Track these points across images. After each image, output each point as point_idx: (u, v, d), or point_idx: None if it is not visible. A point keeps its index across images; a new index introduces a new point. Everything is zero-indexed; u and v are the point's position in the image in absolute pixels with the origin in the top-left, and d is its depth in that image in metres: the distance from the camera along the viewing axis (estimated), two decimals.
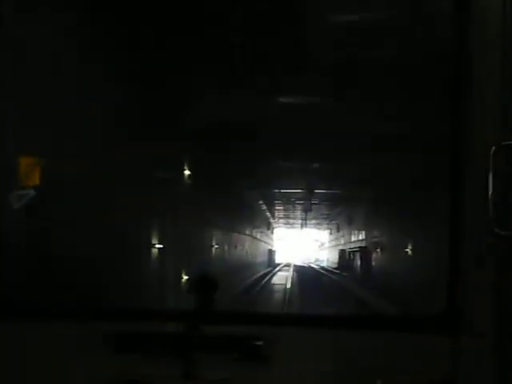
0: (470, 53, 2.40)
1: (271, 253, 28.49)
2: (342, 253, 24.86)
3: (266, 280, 19.58)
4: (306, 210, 21.72)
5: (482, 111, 2.34)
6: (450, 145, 2.48)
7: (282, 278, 20.60)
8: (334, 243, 30.17)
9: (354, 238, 21.06)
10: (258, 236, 23.08)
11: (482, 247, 2.31)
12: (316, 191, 17.40)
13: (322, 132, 9.15)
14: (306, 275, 22.75)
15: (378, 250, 15.24)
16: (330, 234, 31.72)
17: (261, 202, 20.29)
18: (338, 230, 26.95)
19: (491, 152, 2.23)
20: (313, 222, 28.43)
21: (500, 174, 2.24)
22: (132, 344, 2.51)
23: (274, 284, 19.30)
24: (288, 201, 20.47)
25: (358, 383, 2.37)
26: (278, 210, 23.83)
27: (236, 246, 15.61)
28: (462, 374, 2.34)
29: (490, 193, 2.23)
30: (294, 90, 7.90)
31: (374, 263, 16.07)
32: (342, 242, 25.44)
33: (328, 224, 29.42)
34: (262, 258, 23.95)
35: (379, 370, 2.37)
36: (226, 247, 13.91)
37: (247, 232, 18.83)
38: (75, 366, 2.52)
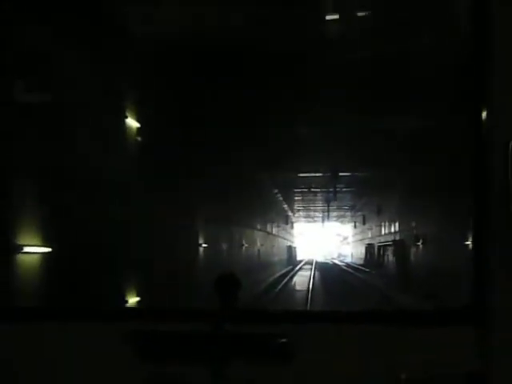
0: (489, 47, 2.33)
1: (291, 249, 25.94)
2: (369, 248, 22.57)
3: (284, 282, 17.15)
4: (329, 200, 19.05)
5: (501, 104, 2.32)
6: (470, 139, 2.45)
7: (304, 279, 17.93)
8: (359, 237, 27.79)
9: (384, 231, 18.69)
10: (275, 231, 20.92)
11: (503, 239, 2.29)
12: (340, 175, 14.72)
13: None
14: (330, 275, 20.27)
15: (419, 243, 12.62)
16: (355, 226, 29.34)
17: (277, 191, 17.89)
18: (364, 223, 24.56)
19: (510, 146, 2.26)
20: (335, 213, 26.02)
21: None
22: (155, 344, 2.46)
23: (294, 287, 16.69)
24: (308, 191, 18.19)
25: (385, 378, 2.36)
26: (296, 200, 21.17)
27: (250, 244, 13.53)
28: (491, 366, 2.31)
29: (510, 186, 2.25)
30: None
31: (414, 259, 13.51)
32: (369, 235, 23.12)
33: (352, 216, 26.98)
34: (279, 255, 21.73)
35: (406, 364, 2.34)
36: (238, 245, 12.22)
37: (261, 227, 16.52)
38: (98, 368, 2.46)
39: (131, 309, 2.87)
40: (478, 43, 2.39)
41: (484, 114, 2.36)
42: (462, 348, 2.34)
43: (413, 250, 13.54)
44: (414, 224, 13.61)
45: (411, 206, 13.40)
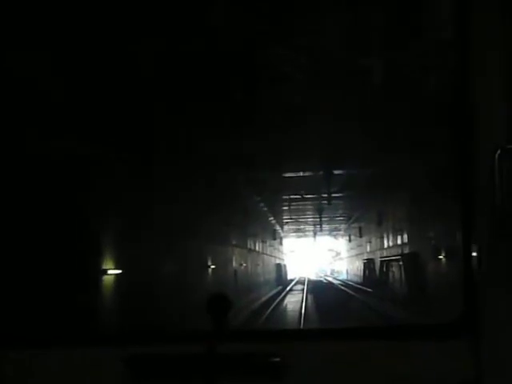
0: (473, 55, 2.41)
1: (280, 268, 24.00)
2: (368, 264, 19.91)
3: (272, 307, 14.43)
4: (321, 210, 16.53)
5: (487, 115, 2.39)
6: (456, 149, 2.51)
7: (295, 306, 15.20)
8: (354, 252, 25.19)
9: (388, 243, 16.12)
10: (261, 249, 18.78)
11: (491, 249, 2.34)
12: (334, 177, 12.52)
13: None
14: (326, 299, 17.38)
15: (442, 256, 10.01)
16: (349, 240, 26.74)
17: (262, 204, 15.68)
18: (361, 235, 21.96)
19: (496, 155, 2.31)
20: (327, 226, 23.47)
21: (505, 177, 2.30)
22: (149, 367, 2.46)
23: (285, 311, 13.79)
24: (298, 198, 15.35)
25: None
26: (284, 212, 18.50)
27: (234, 264, 11.57)
28: (483, 377, 2.35)
29: (495, 195, 2.29)
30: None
31: (431, 275, 10.91)
32: (368, 249, 20.51)
33: (347, 228, 24.39)
34: (265, 275, 19.49)
35: (399, 379, 2.37)
36: (220, 266, 10.55)
37: (245, 245, 14.23)
38: None
39: (124, 332, 2.77)
40: (462, 56, 2.40)
41: (471, 125, 2.36)
42: (456, 360, 2.33)
43: (430, 264, 11.00)
44: (431, 234, 11.02)
45: (423, 213, 10.99)
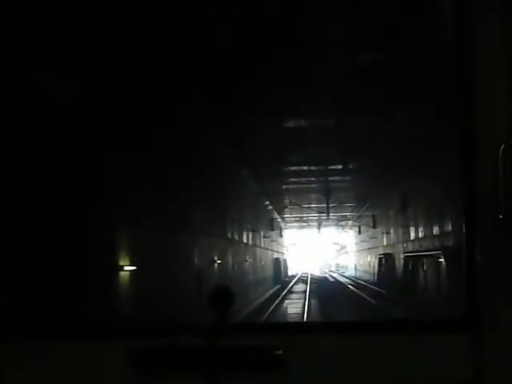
0: (475, 51, 2.47)
1: (278, 264, 20.79)
2: (385, 260, 16.85)
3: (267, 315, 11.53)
4: (328, 193, 13.50)
5: (490, 110, 2.45)
6: (459, 143, 2.51)
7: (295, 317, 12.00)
8: (365, 245, 22.18)
9: (416, 234, 13.32)
10: (258, 241, 15.86)
11: (495, 244, 2.37)
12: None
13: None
14: (334, 303, 14.07)
15: None
16: (359, 232, 23.66)
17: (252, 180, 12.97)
18: (375, 225, 18.85)
19: (500, 150, 2.36)
20: (334, 216, 20.49)
21: (509, 173, 2.36)
22: (150, 360, 2.51)
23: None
24: (299, 179, 13.23)
25: None
26: (284, 195, 15.58)
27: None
28: (484, 374, 2.40)
29: (499, 190, 2.34)
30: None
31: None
32: (384, 242, 17.35)
33: (358, 218, 21.31)
34: (261, 274, 16.47)
35: (400, 374, 2.40)
36: (209, 262, 9.45)
37: (240, 237, 12.06)
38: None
39: (125, 325, 2.74)
40: (464, 52, 2.46)
41: (473, 120, 2.41)
42: (457, 356, 2.37)
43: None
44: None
45: None
